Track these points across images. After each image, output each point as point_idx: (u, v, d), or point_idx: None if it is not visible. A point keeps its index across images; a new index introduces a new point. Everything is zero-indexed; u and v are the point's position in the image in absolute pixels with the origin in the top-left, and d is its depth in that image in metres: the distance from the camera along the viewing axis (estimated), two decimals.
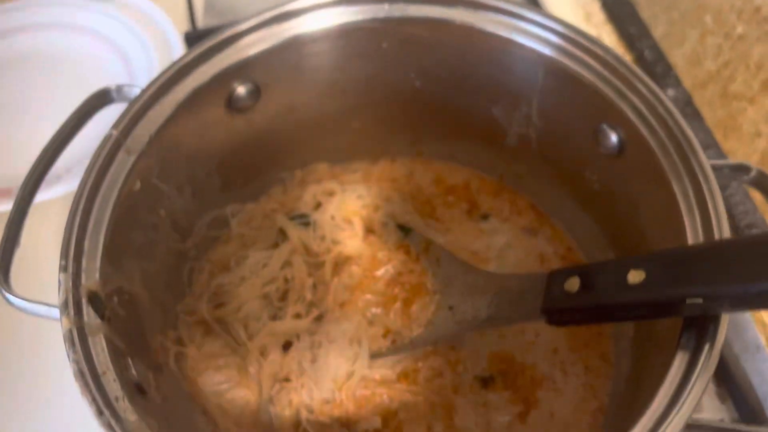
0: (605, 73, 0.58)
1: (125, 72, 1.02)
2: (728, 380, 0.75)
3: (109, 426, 0.43)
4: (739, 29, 1.02)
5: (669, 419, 0.42)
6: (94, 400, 0.44)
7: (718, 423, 0.44)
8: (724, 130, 0.97)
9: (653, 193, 0.57)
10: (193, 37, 1.02)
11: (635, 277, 0.46)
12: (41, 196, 0.85)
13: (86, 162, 0.90)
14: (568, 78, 0.61)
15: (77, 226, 0.51)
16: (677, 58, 1.05)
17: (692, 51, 1.08)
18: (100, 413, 0.44)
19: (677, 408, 0.42)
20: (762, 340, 0.74)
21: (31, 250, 0.86)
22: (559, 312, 0.53)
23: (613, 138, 0.60)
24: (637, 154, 0.57)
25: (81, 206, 0.52)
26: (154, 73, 0.97)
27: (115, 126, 0.56)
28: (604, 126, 0.60)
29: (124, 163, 0.55)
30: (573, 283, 0.52)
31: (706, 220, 0.49)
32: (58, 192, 0.84)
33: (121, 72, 1.02)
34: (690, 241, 0.50)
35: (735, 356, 0.75)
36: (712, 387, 0.75)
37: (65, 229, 0.51)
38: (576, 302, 0.51)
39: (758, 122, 0.99)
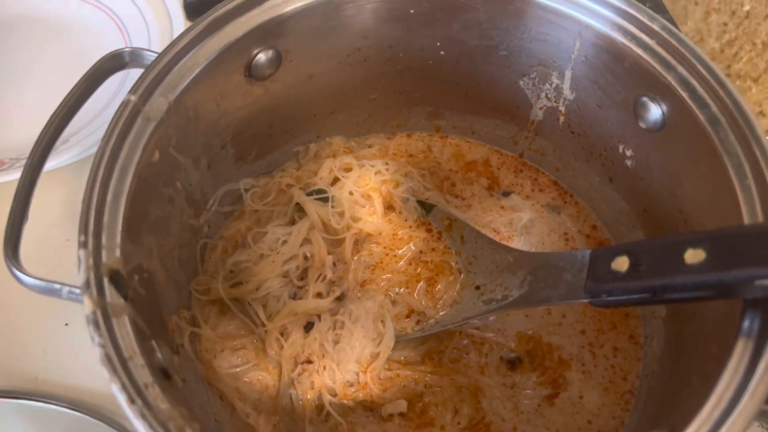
0: (651, 43, 0.55)
1: (121, 40, 0.97)
2: None
3: (141, 415, 0.40)
4: (747, 7, 1.01)
5: (739, 407, 0.40)
6: (124, 387, 0.41)
7: None
8: None
9: (698, 168, 0.55)
10: (193, 6, 0.97)
11: (694, 256, 0.44)
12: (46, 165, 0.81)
13: (83, 132, 0.87)
14: (609, 47, 0.58)
15: (96, 199, 0.47)
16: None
17: (696, 29, 1.06)
18: (132, 401, 0.40)
19: (747, 396, 0.40)
20: None
21: (38, 221, 0.82)
22: (606, 292, 0.51)
23: (656, 111, 0.57)
24: (682, 128, 0.55)
25: (99, 176, 0.48)
26: (152, 42, 0.92)
27: (132, 91, 0.52)
28: (645, 99, 0.58)
29: (142, 130, 0.51)
30: (621, 263, 0.49)
31: (765, 197, 0.47)
32: (61, 162, 0.80)
33: (117, 39, 0.97)
34: (746, 218, 0.48)
35: None
36: None
37: (83, 201, 0.47)
38: (625, 283, 0.48)
39: (762, 102, 0.98)
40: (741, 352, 0.43)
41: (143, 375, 0.42)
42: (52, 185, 0.84)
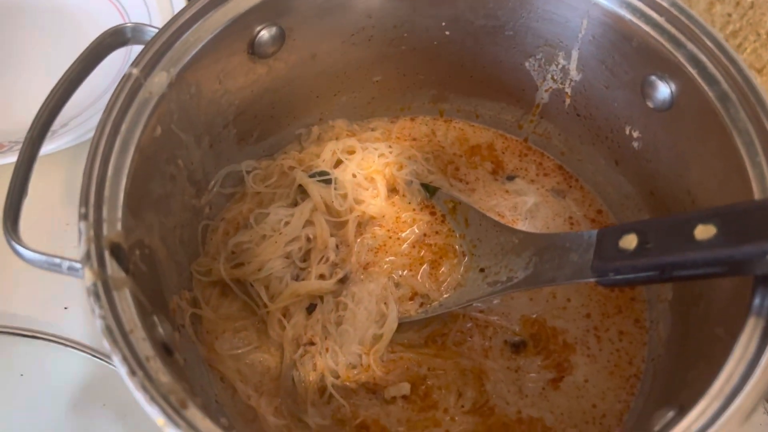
0: (660, 20, 0.54)
1: (121, 21, 0.96)
2: None
3: (143, 387, 0.39)
4: None
5: (749, 385, 0.39)
6: (125, 359, 0.40)
7: None
8: None
9: (707, 148, 0.54)
10: None
11: (704, 232, 0.43)
12: (44, 149, 0.80)
13: (84, 115, 0.86)
14: (617, 25, 0.57)
15: (97, 171, 0.46)
16: None
17: None
18: (133, 373, 0.40)
19: (758, 373, 0.40)
20: None
21: (38, 205, 0.82)
22: (614, 271, 0.50)
23: (664, 90, 0.56)
24: (691, 107, 0.54)
25: (101, 149, 0.47)
26: (153, 21, 0.91)
27: (134, 64, 0.51)
28: (654, 77, 0.57)
29: (144, 105, 0.51)
30: (629, 241, 0.48)
31: None
32: (58, 146, 0.79)
33: (116, 21, 0.96)
34: (757, 195, 0.47)
35: None
36: None
37: (83, 174, 0.46)
38: (634, 261, 0.48)
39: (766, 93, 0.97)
40: (752, 329, 0.43)
41: (144, 348, 0.42)
42: (53, 169, 0.84)
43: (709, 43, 0.52)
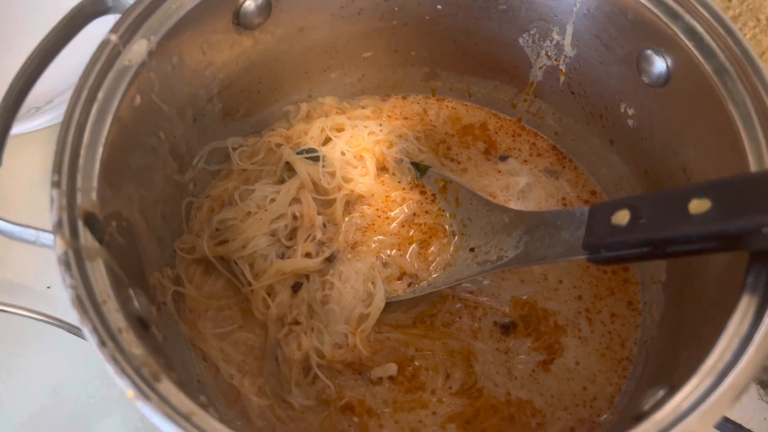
0: None
1: None
2: None
3: (113, 359, 0.38)
4: None
5: (742, 362, 0.38)
6: (95, 329, 0.39)
7: None
8: None
9: (703, 122, 0.52)
10: None
11: (698, 206, 0.42)
12: (23, 128, 0.78)
13: (69, 93, 0.84)
14: None
15: (71, 139, 0.45)
16: None
17: None
18: (102, 344, 0.38)
19: (751, 350, 0.38)
20: None
21: (21, 183, 0.80)
22: (606, 247, 0.48)
23: (660, 65, 0.55)
24: (687, 81, 0.53)
25: (75, 117, 0.46)
26: None
27: (113, 31, 0.49)
28: (649, 52, 0.55)
29: (123, 73, 0.49)
30: (622, 217, 0.47)
31: None
32: (41, 123, 0.77)
33: None
34: (753, 168, 0.45)
35: None
36: None
37: (57, 141, 0.45)
38: (627, 236, 0.46)
39: None
40: (746, 306, 0.41)
41: (117, 319, 0.40)
42: (37, 146, 0.82)
43: (706, 13, 0.50)
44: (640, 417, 0.39)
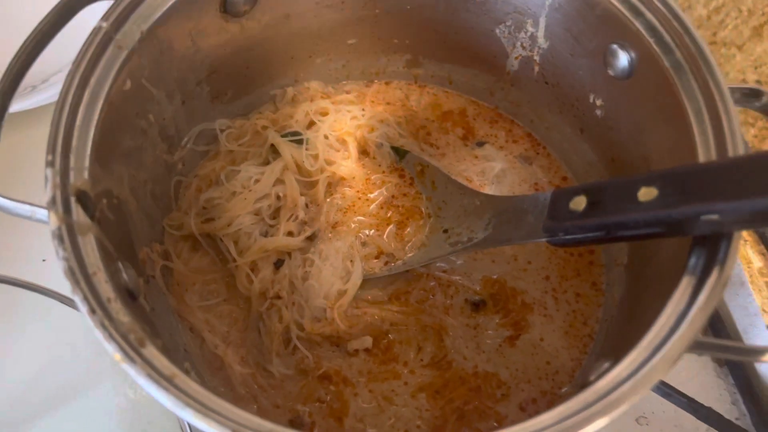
0: None
1: None
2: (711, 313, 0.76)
3: (102, 325, 0.41)
4: None
5: (675, 337, 0.42)
6: (85, 298, 0.42)
7: (725, 341, 0.44)
8: None
9: (662, 115, 0.56)
10: None
11: (646, 194, 0.45)
12: (19, 106, 0.81)
13: (64, 73, 0.86)
14: None
15: (65, 121, 0.48)
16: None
17: None
18: (92, 312, 0.42)
19: (684, 326, 0.42)
20: (746, 276, 0.75)
21: (17, 160, 0.83)
22: (563, 231, 0.52)
23: (624, 59, 0.58)
24: (648, 75, 0.56)
25: (69, 100, 0.49)
26: None
27: (105, 18, 0.52)
28: (615, 46, 0.58)
29: (114, 58, 0.52)
30: (579, 202, 0.51)
31: (719, 138, 0.48)
32: (38, 101, 0.80)
33: None
34: (701, 159, 0.49)
35: None
36: None
37: (51, 123, 0.48)
38: (582, 221, 0.50)
39: (746, 69, 0.98)
40: (685, 286, 0.45)
41: (106, 290, 0.44)
42: (33, 124, 0.85)
43: (665, 11, 0.53)
44: (585, 386, 0.43)
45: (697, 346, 0.42)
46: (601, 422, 0.39)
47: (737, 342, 0.44)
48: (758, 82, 0.94)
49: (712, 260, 0.44)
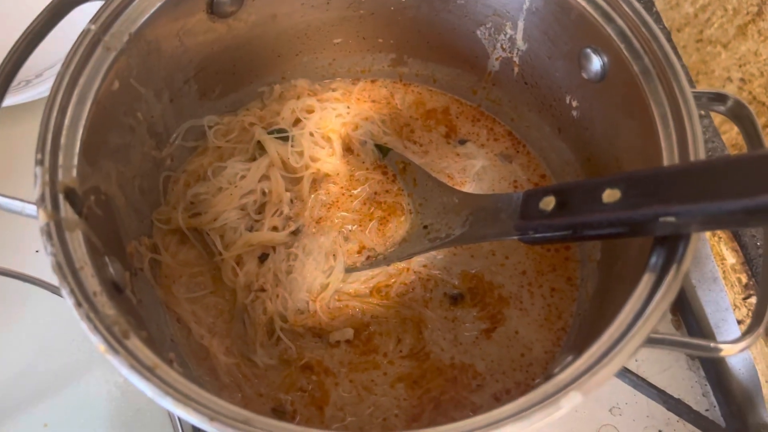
0: None
1: None
2: (684, 309, 0.78)
3: (87, 318, 0.44)
4: None
5: (632, 332, 0.44)
6: (72, 292, 0.44)
7: (677, 336, 0.46)
8: (695, 75, 0.98)
9: (632, 118, 0.58)
10: None
11: (610, 196, 0.47)
12: (13, 100, 0.83)
13: (57, 68, 0.88)
14: None
15: (54, 121, 0.50)
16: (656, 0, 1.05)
17: None
18: (78, 305, 0.44)
19: (640, 322, 0.44)
20: (719, 272, 0.77)
21: (9, 154, 0.85)
22: (533, 230, 0.54)
23: (597, 62, 0.60)
24: (619, 79, 0.58)
25: (58, 100, 0.50)
26: None
27: (93, 20, 0.54)
28: (589, 50, 0.60)
29: (102, 59, 0.54)
30: (548, 202, 0.53)
31: (682, 143, 0.50)
32: (31, 96, 0.82)
33: None
34: (666, 163, 0.51)
35: (692, 286, 0.78)
36: (668, 314, 0.78)
37: (41, 123, 0.50)
38: (550, 220, 0.52)
39: (730, 68, 1.00)
40: (645, 284, 0.47)
41: (92, 284, 0.46)
42: (26, 118, 0.86)
43: (635, 18, 0.55)
44: (548, 378, 0.46)
45: (652, 341, 0.44)
46: (558, 414, 0.41)
47: (691, 338, 0.46)
48: (742, 80, 0.96)
49: (670, 259, 0.47)
